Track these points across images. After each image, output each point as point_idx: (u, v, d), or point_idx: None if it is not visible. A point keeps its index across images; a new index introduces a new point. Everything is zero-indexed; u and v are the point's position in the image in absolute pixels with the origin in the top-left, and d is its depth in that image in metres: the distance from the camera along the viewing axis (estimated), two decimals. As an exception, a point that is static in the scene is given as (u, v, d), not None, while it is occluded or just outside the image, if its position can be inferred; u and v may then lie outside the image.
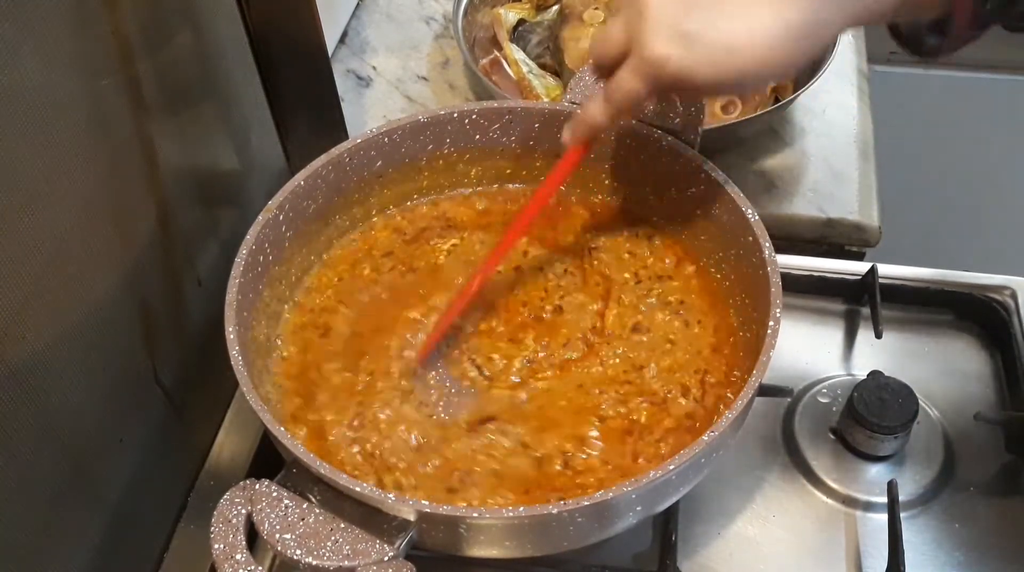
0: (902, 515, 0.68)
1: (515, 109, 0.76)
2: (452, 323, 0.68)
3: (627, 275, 0.73)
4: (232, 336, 0.59)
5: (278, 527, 0.52)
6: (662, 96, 0.61)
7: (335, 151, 0.71)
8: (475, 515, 0.53)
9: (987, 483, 0.72)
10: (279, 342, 0.69)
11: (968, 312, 0.82)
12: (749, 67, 0.55)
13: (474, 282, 0.67)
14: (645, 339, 0.68)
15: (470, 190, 0.80)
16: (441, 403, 0.65)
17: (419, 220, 0.78)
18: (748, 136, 1.00)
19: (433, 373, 0.66)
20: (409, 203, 0.78)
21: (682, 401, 0.65)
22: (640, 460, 0.62)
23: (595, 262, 0.74)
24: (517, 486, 0.60)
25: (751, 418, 0.63)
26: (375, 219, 0.77)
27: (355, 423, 0.64)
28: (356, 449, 0.62)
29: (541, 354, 0.67)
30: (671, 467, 0.53)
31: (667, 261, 0.74)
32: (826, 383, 0.78)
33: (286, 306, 0.71)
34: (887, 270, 0.83)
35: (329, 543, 0.52)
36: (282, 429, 0.56)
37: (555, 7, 1.09)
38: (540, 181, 0.68)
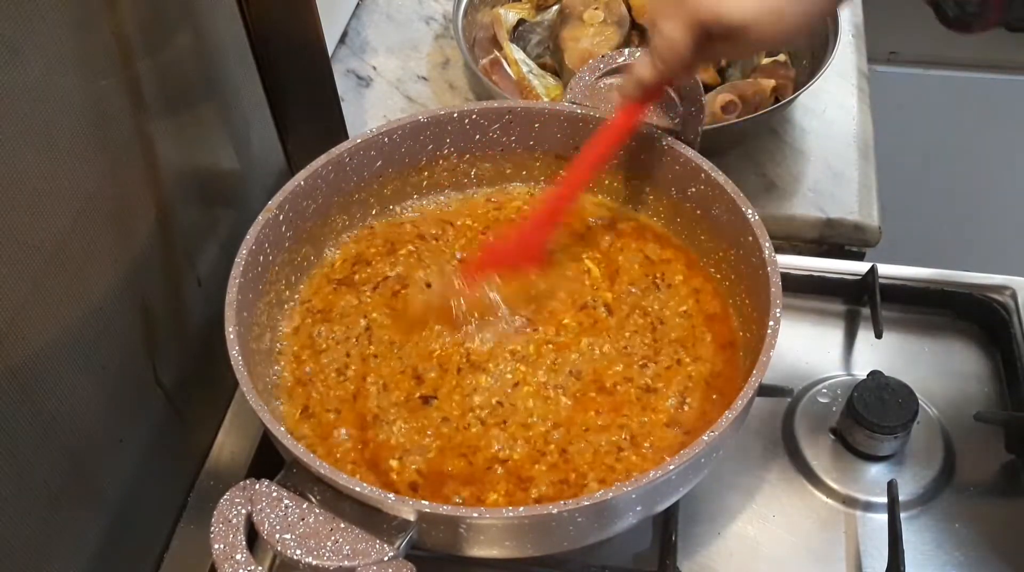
0: (902, 515, 0.68)
1: (515, 109, 0.76)
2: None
3: (625, 278, 0.73)
4: (232, 336, 0.59)
5: (278, 527, 0.52)
6: (710, 51, 0.60)
7: (335, 151, 0.71)
8: (475, 515, 0.53)
9: (987, 483, 0.72)
10: (279, 342, 0.69)
11: (968, 312, 0.82)
12: (792, 4, 0.56)
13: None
14: (644, 339, 0.68)
15: (470, 190, 0.80)
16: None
17: (419, 220, 0.78)
18: (748, 136, 1.00)
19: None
20: (409, 203, 0.78)
21: (680, 401, 0.65)
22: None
23: (595, 262, 0.74)
24: None
25: (751, 418, 0.63)
26: (375, 219, 0.77)
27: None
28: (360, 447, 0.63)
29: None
30: (671, 467, 0.53)
31: (667, 261, 0.73)
32: (826, 383, 0.78)
33: (286, 306, 0.71)
34: (887, 270, 0.83)
35: (329, 543, 0.52)
36: (282, 429, 0.56)
37: (555, 7, 1.09)
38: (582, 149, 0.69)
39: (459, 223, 0.77)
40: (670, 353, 0.67)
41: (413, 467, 0.62)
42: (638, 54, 0.74)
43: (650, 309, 0.70)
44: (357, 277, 0.73)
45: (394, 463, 0.62)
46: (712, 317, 0.70)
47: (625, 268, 0.73)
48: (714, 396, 0.65)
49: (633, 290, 0.71)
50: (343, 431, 0.64)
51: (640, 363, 0.67)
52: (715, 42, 0.59)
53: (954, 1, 0.59)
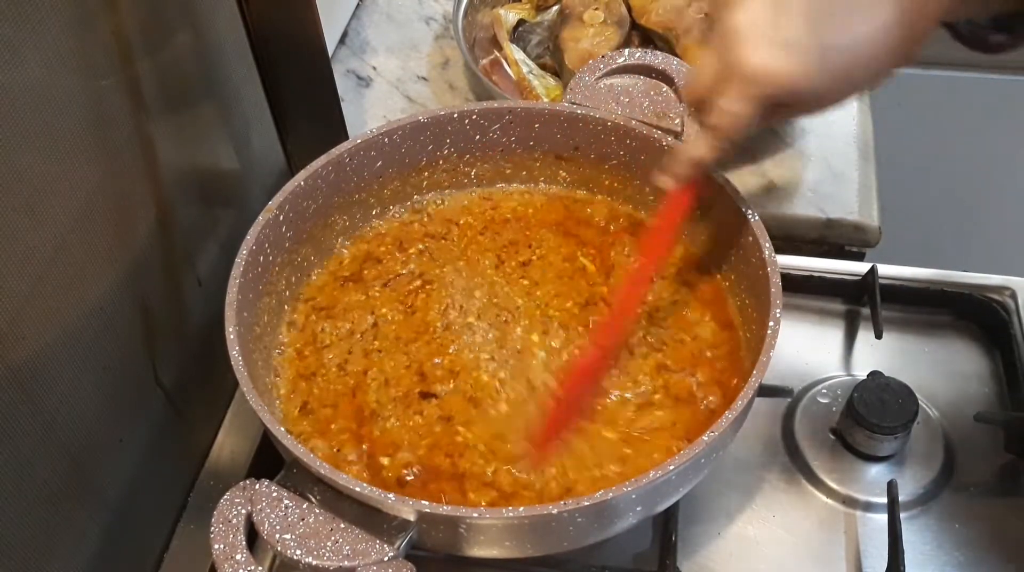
0: (902, 515, 0.68)
1: (515, 109, 0.76)
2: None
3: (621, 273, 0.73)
4: (232, 336, 0.59)
5: (278, 527, 0.52)
6: (769, 116, 0.57)
7: (335, 151, 0.71)
8: (475, 515, 0.53)
9: (987, 483, 0.72)
10: (280, 342, 0.69)
11: (968, 312, 0.82)
12: (854, 67, 0.54)
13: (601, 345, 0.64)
14: (643, 339, 0.68)
15: (470, 190, 0.80)
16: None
17: (419, 219, 0.78)
18: (748, 136, 1.00)
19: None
20: (409, 203, 0.78)
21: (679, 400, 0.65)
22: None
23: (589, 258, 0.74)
24: None
25: (751, 418, 0.63)
26: (375, 219, 0.77)
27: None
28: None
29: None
30: (671, 467, 0.53)
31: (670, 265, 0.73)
32: (826, 383, 0.78)
33: (286, 306, 0.71)
34: (887, 270, 0.83)
35: (329, 543, 0.52)
36: (282, 429, 0.56)
37: (555, 7, 1.09)
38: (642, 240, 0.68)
39: (459, 222, 0.77)
40: (668, 352, 0.68)
41: (404, 463, 0.62)
42: (639, 54, 0.74)
43: (647, 309, 0.70)
44: (366, 273, 0.73)
45: (385, 460, 0.62)
46: (712, 317, 0.70)
47: (619, 262, 0.73)
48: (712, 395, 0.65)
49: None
50: (340, 425, 0.64)
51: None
52: (779, 109, 0.56)
53: (972, 36, 0.58)
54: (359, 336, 0.69)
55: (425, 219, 0.78)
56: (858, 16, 0.53)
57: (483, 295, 0.71)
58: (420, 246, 0.75)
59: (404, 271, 0.73)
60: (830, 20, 0.53)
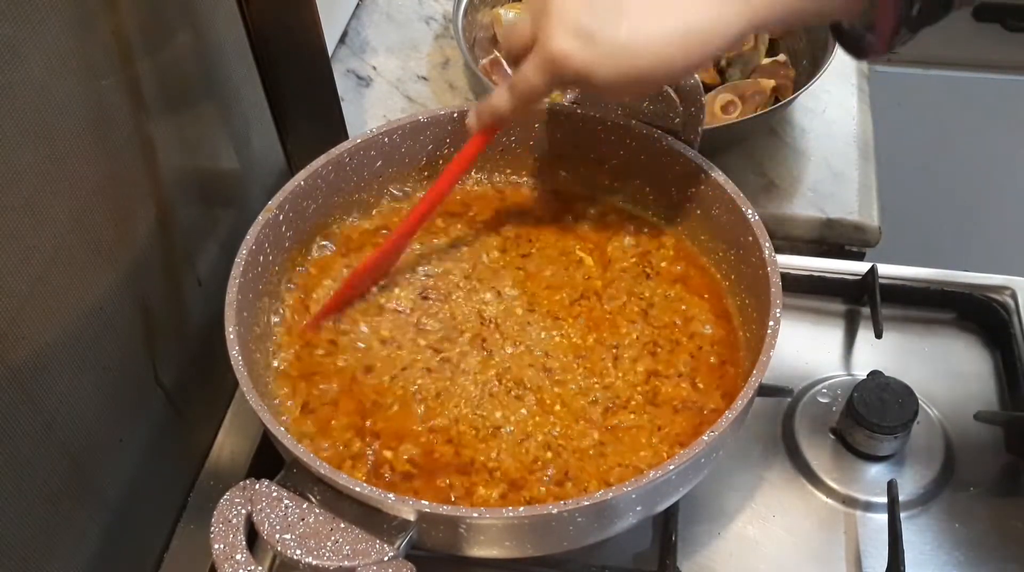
0: (902, 515, 0.68)
1: (515, 109, 0.76)
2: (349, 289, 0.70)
3: (626, 277, 0.73)
4: (232, 336, 0.59)
5: (278, 527, 0.52)
6: (564, 89, 0.62)
7: (335, 151, 0.71)
8: (475, 515, 0.53)
9: (987, 483, 0.72)
10: (280, 342, 0.69)
11: (968, 312, 0.82)
12: (646, 66, 0.56)
13: (376, 253, 0.69)
14: (643, 338, 0.68)
15: (465, 188, 0.80)
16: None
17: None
18: (748, 136, 1.00)
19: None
20: (409, 203, 0.78)
21: (679, 400, 0.65)
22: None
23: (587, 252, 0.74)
24: None
25: (751, 418, 0.63)
26: (375, 219, 0.77)
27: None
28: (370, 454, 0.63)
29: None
30: (671, 467, 0.53)
31: (667, 261, 0.73)
32: (826, 383, 0.78)
33: (287, 306, 0.71)
34: (887, 270, 0.83)
35: (329, 543, 0.52)
36: (282, 429, 0.56)
37: (555, 7, 1.09)
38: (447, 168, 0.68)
39: (458, 221, 0.77)
40: (668, 352, 0.68)
41: (405, 457, 0.62)
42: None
43: (647, 309, 0.70)
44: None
45: (388, 453, 0.62)
46: (712, 317, 0.70)
47: (623, 269, 0.73)
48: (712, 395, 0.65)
49: (631, 290, 0.71)
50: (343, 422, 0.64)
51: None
52: (574, 86, 0.61)
53: (850, 36, 0.60)
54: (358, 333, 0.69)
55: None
56: (670, 12, 0.55)
57: (491, 295, 0.71)
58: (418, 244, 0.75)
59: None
60: (641, 16, 0.55)
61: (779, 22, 0.58)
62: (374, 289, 0.72)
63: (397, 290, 0.72)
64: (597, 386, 0.66)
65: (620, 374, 0.66)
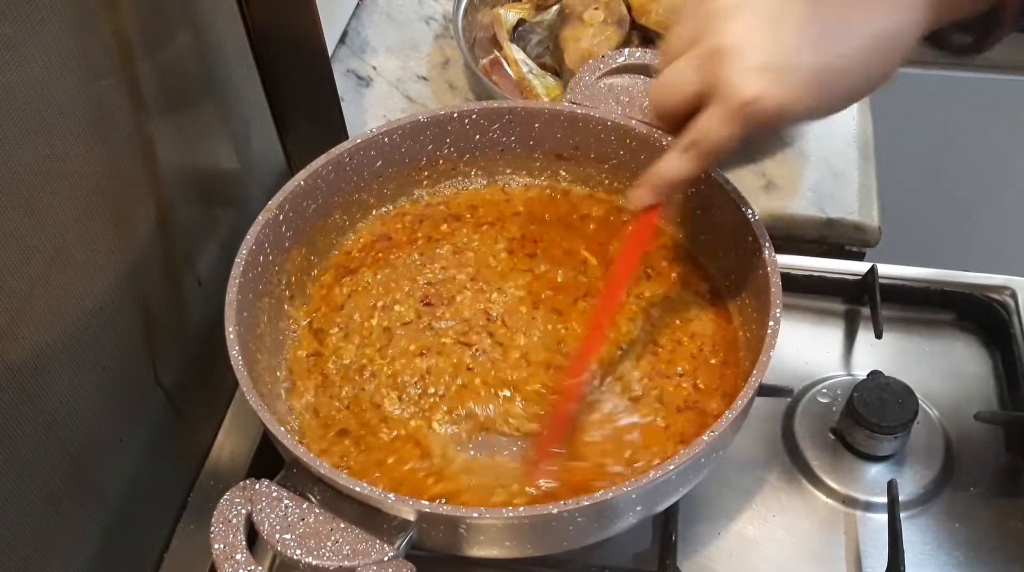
0: (902, 515, 0.68)
1: (515, 109, 0.76)
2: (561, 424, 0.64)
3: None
4: (232, 336, 0.59)
5: (278, 527, 0.52)
6: (759, 133, 0.55)
7: (335, 151, 0.71)
8: (475, 515, 0.53)
9: (987, 483, 0.72)
10: (281, 342, 0.69)
11: (968, 312, 0.82)
12: (850, 84, 0.53)
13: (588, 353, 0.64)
14: (644, 339, 0.68)
15: (470, 190, 0.80)
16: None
17: (420, 217, 0.78)
18: (748, 136, 1.00)
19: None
20: (409, 203, 0.78)
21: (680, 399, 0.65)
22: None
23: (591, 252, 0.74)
24: None
25: (751, 418, 0.63)
26: (375, 219, 0.77)
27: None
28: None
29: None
30: (671, 467, 0.53)
31: (667, 261, 0.73)
32: (826, 383, 0.78)
33: (287, 306, 0.71)
34: (887, 270, 0.83)
35: (329, 543, 0.52)
36: (282, 429, 0.56)
37: (555, 7, 1.09)
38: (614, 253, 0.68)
39: (459, 220, 0.78)
40: (668, 352, 0.68)
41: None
42: (639, 54, 0.74)
43: (647, 309, 0.70)
44: (364, 270, 0.74)
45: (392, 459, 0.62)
46: (711, 317, 0.70)
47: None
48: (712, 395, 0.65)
49: (631, 290, 0.71)
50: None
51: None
52: (766, 126, 0.54)
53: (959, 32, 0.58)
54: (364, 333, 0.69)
55: (419, 219, 0.78)
56: (854, 27, 0.52)
57: (496, 294, 0.72)
58: (404, 246, 0.76)
59: (407, 265, 0.74)
60: (828, 36, 0.51)
61: (951, 16, 0.55)
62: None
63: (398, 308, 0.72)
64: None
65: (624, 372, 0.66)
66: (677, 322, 0.69)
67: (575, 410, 0.63)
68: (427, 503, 0.53)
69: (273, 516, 0.53)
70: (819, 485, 0.72)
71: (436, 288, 0.72)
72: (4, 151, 0.49)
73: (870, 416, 0.71)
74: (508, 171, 0.79)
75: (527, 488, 0.60)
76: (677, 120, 0.56)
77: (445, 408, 0.65)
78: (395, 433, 0.64)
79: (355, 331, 0.69)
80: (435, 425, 0.64)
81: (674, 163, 0.57)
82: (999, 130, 1.51)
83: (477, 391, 0.65)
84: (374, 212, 0.77)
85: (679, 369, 0.67)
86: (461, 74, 1.11)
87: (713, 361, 0.67)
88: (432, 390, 0.65)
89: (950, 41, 0.58)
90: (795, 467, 0.74)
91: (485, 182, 0.79)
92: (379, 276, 0.73)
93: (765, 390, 0.72)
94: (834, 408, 0.76)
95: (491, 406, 0.65)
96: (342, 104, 0.88)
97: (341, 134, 0.89)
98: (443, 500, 0.60)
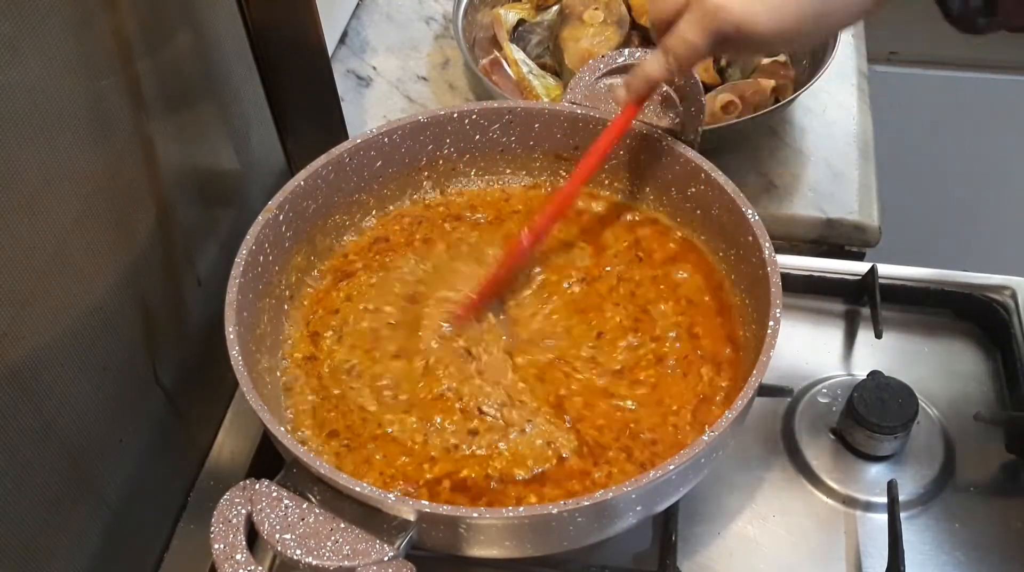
0: (902, 515, 0.68)
1: (515, 109, 0.76)
2: (499, 281, 0.70)
3: (626, 277, 0.73)
4: (232, 336, 0.59)
5: (278, 527, 0.52)
6: (719, 51, 0.62)
7: (335, 151, 0.71)
8: (475, 515, 0.53)
9: (987, 483, 0.72)
10: (281, 342, 0.69)
11: (968, 312, 0.82)
12: (809, 12, 0.56)
13: (526, 236, 0.69)
14: (644, 339, 0.68)
15: (469, 189, 0.80)
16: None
17: (418, 218, 0.78)
18: (748, 136, 1.00)
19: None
20: (409, 203, 0.78)
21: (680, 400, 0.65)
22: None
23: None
24: None
25: (751, 418, 0.63)
26: (375, 218, 0.77)
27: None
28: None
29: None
30: (671, 467, 0.53)
31: (667, 261, 0.73)
32: (826, 383, 0.78)
33: (287, 306, 0.71)
34: (887, 270, 0.83)
35: (329, 543, 0.52)
36: (282, 429, 0.56)
37: (555, 7, 1.09)
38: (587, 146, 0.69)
39: (460, 220, 0.78)
40: (667, 352, 0.68)
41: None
42: (639, 54, 0.74)
43: (647, 309, 0.70)
44: (362, 272, 0.74)
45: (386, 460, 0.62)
46: (711, 317, 0.70)
47: (623, 269, 0.73)
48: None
49: (631, 289, 0.71)
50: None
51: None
52: (726, 45, 0.60)
53: (961, 16, 0.59)
54: (361, 334, 0.69)
55: (419, 218, 0.78)
56: None
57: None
58: (404, 246, 0.76)
59: (406, 268, 0.74)
60: None
61: None
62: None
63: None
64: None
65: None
66: (678, 322, 0.69)
67: (512, 272, 0.70)
68: (427, 503, 0.53)
69: (273, 516, 0.53)
70: (819, 485, 0.72)
71: (427, 287, 0.72)
72: (4, 151, 0.49)
73: (870, 416, 0.71)
74: (508, 171, 0.79)
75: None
76: (667, 26, 0.61)
77: (419, 409, 0.65)
78: (378, 432, 0.64)
79: (347, 334, 0.70)
80: (412, 421, 0.64)
81: (651, 64, 0.63)
82: (999, 130, 1.51)
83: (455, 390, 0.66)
84: (374, 212, 0.77)
85: (676, 368, 0.67)
86: (461, 74, 1.11)
87: (712, 360, 0.67)
88: (404, 398, 0.66)
89: (975, 23, 0.59)
90: (795, 467, 0.74)
91: (485, 182, 0.80)
92: (374, 280, 0.73)
93: (765, 390, 0.72)
94: (834, 408, 0.76)
95: (466, 388, 0.66)
96: (342, 104, 0.88)
97: (341, 134, 0.89)
98: (444, 480, 0.61)
